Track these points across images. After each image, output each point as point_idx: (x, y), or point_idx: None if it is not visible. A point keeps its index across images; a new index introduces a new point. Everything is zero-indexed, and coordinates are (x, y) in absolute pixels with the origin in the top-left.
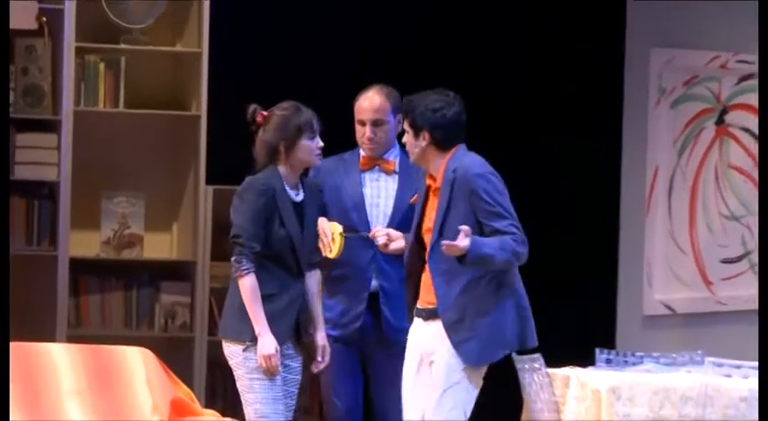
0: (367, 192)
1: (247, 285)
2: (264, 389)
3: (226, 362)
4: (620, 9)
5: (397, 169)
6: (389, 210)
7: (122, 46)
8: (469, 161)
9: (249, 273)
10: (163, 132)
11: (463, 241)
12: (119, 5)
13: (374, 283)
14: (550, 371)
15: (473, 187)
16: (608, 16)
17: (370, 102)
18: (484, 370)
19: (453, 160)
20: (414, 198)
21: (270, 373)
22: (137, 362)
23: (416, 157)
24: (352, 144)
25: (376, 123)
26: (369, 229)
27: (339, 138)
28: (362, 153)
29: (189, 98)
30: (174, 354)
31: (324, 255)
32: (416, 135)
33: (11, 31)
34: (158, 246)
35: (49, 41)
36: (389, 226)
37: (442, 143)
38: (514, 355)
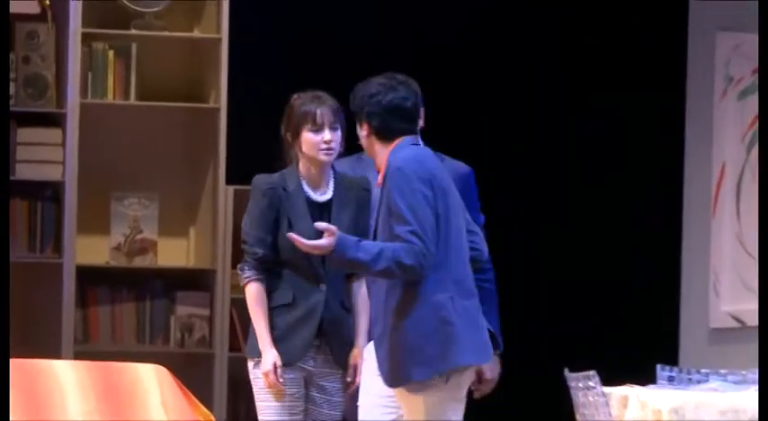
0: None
1: (248, 294)
2: (270, 410)
3: (248, 379)
4: None
5: None
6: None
7: (133, 32)
8: (403, 154)
9: (251, 281)
10: (178, 127)
11: (322, 241)
12: None
13: None
14: (606, 389)
15: (387, 183)
16: None
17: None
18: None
19: (393, 153)
20: None
21: (274, 392)
22: (150, 381)
23: (367, 151)
24: None
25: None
26: None
27: None
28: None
29: (207, 89)
30: (191, 372)
31: None
32: (360, 125)
33: (11, 15)
34: (174, 253)
35: (53, 27)
36: None
37: (382, 133)
38: (567, 372)
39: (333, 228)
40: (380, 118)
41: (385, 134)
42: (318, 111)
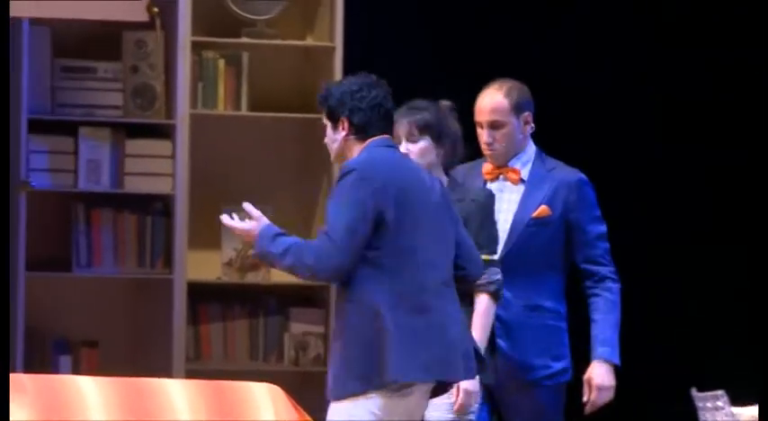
0: None
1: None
2: None
3: None
4: None
5: (525, 177)
6: (508, 225)
7: (244, 40)
8: (364, 156)
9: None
10: (291, 137)
11: (245, 223)
12: None
13: None
14: (735, 410)
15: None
16: None
17: (488, 100)
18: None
19: (361, 153)
20: (539, 210)
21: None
22: (264, 400)
23: (336, 154)
24: None
25: (494, 126)
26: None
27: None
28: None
29: None
30: (306, 391)
31: None
32: (335, 125)
33: (119, 23)
34: None
35: (162, 35)
36: (507, 242)
37: (363, 130)
38: (693, 391)
39: (257, 213)
40: (364, 114)
41: (365, 131)
42: (396, 125)
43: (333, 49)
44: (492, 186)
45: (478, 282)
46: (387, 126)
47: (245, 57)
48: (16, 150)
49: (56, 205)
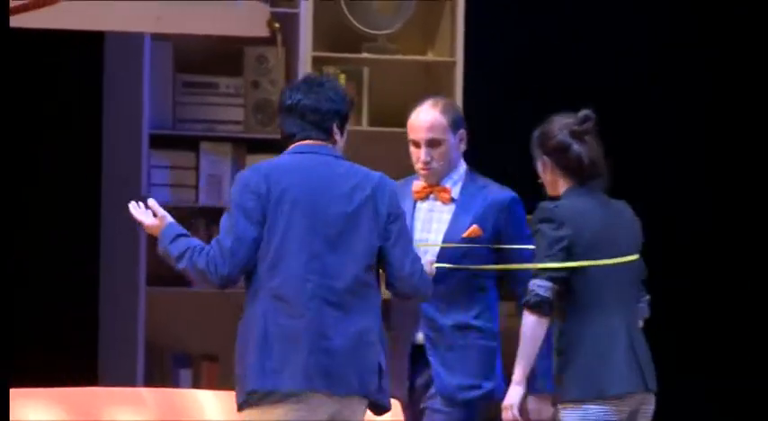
0: (417, 225)
1: None
2: None
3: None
4: None
5: (455, 196)
6: (439, 245)
7: (365, 55)
8: (261, 162)
9: None
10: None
11: (150, 219)
12: (361, 7)
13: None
14: None
15: None
16: None
17: (425, 117)
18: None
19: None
20: (470, 230)
21: None
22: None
23: None
24: None
25: (431, 144)
26: None
27: None
28: (418, 179)
29: None
30: None
31: None
32: None
33: (240, 39)
34: None
35: (283, 51)
36: (438, 262)
37: (287, 136)
38: None
39: (161, 211)
40: (283, 119)
41: (290, 137)
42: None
43: (453, 63)
44: (422, 206)
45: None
46: (301, 129)
47: (366, 72)
48: (137, 165)
49: (176, 220)
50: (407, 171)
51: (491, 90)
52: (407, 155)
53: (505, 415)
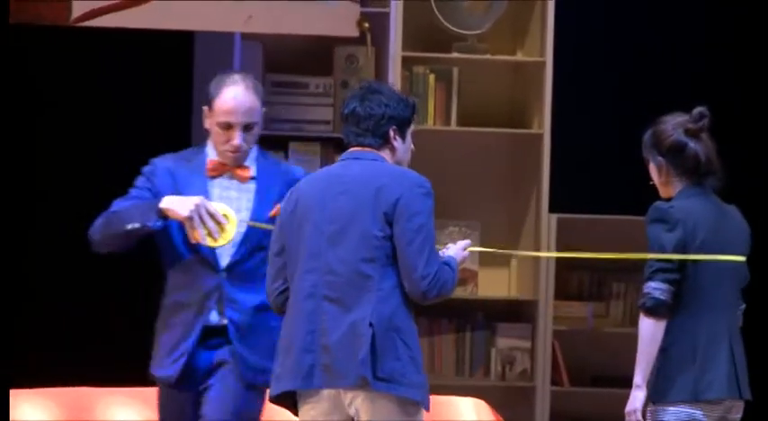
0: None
1: None
2: None
3: (575, 415)
4: None
5: (254, 175)
6: (243, 227)
7: (455, 55)
8: None
9: None
10: (500, 153)
11: None
12: (451, 7)
13: (217, 317)
14: None
15: None
16: None
17: (243, 100)
18: None
19: None
20: (274, 210)
21: None
22: (469, 415)
23: None
24: None
25: (248, 128)
26: (210, 250)
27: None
28: (213, 157)
29: (530, 114)
30: (512, 406)
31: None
32: None
33: (329, 38)
34: (495, 283)
35: (373, 50)
36: (242, 245)
37: (344, 144)
38: None
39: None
40: (343, 126)
41: (346, 145)
42: None
43: (543, 63)
44: (214, 183)
45: None
46: (368, 136)
47: (456, 72)
48: None
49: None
50: (496, 171)
51: (580, 89)
52: (497, 155)
53: (629, 420)
